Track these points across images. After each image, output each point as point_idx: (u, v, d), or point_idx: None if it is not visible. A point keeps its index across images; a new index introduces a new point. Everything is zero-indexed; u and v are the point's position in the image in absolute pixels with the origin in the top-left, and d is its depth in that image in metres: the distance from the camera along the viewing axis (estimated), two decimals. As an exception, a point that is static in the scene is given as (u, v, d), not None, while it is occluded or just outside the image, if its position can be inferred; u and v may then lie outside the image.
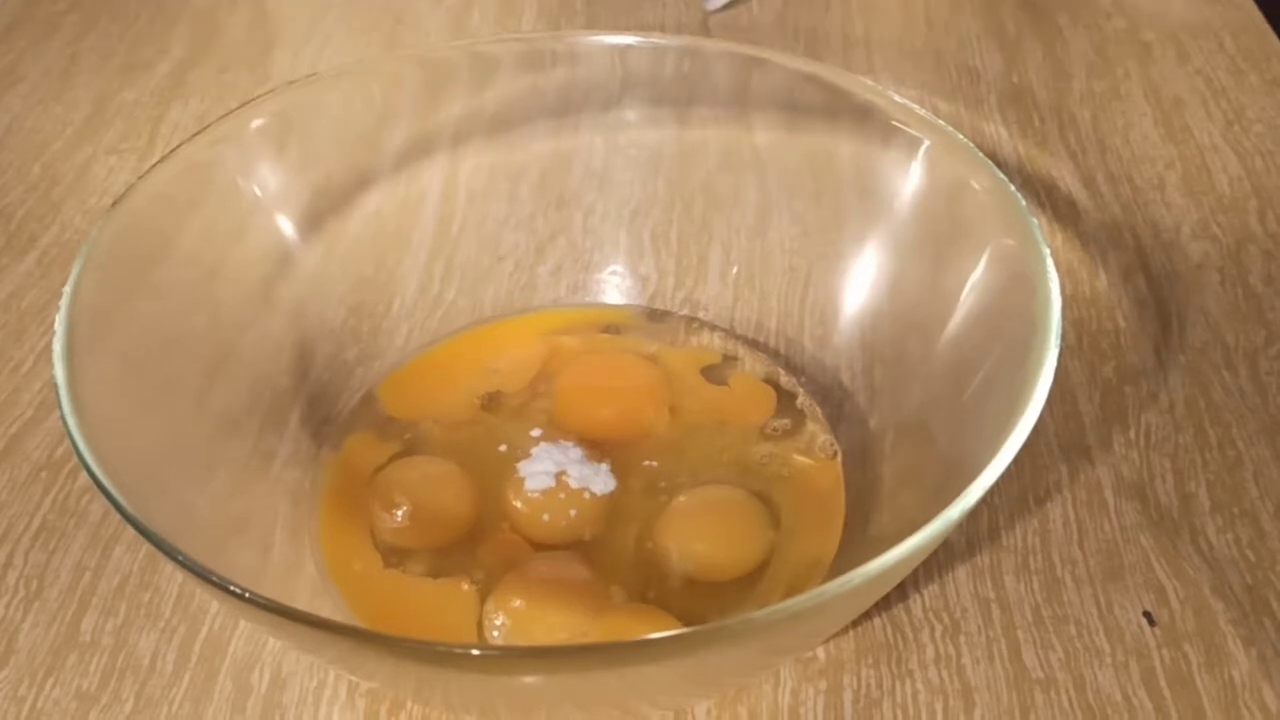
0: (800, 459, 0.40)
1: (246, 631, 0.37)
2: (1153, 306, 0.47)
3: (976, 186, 0.36)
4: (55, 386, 0.30)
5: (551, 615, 0.35)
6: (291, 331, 0.41)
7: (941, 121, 0.38)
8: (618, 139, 0.45)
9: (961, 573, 0.38)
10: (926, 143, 0.38)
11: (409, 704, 0.35)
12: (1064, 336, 0.34)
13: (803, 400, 0.42)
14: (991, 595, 0.37)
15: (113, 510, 0.28)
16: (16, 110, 0.59)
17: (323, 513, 0.38)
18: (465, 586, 0.36)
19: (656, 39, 0.43)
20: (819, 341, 0.42)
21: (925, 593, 0.37)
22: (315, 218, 0.42)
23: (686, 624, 0.35)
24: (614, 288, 0.46)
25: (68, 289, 0.32)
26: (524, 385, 0.42)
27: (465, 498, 0.38)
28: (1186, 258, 0.49)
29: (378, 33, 0.64)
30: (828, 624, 0.31)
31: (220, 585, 0.26)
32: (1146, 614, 0.37)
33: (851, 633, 0.36)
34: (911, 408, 0.38)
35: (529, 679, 0.28)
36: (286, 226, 0.41)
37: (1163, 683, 0.35)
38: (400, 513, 0.38)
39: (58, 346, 0.31)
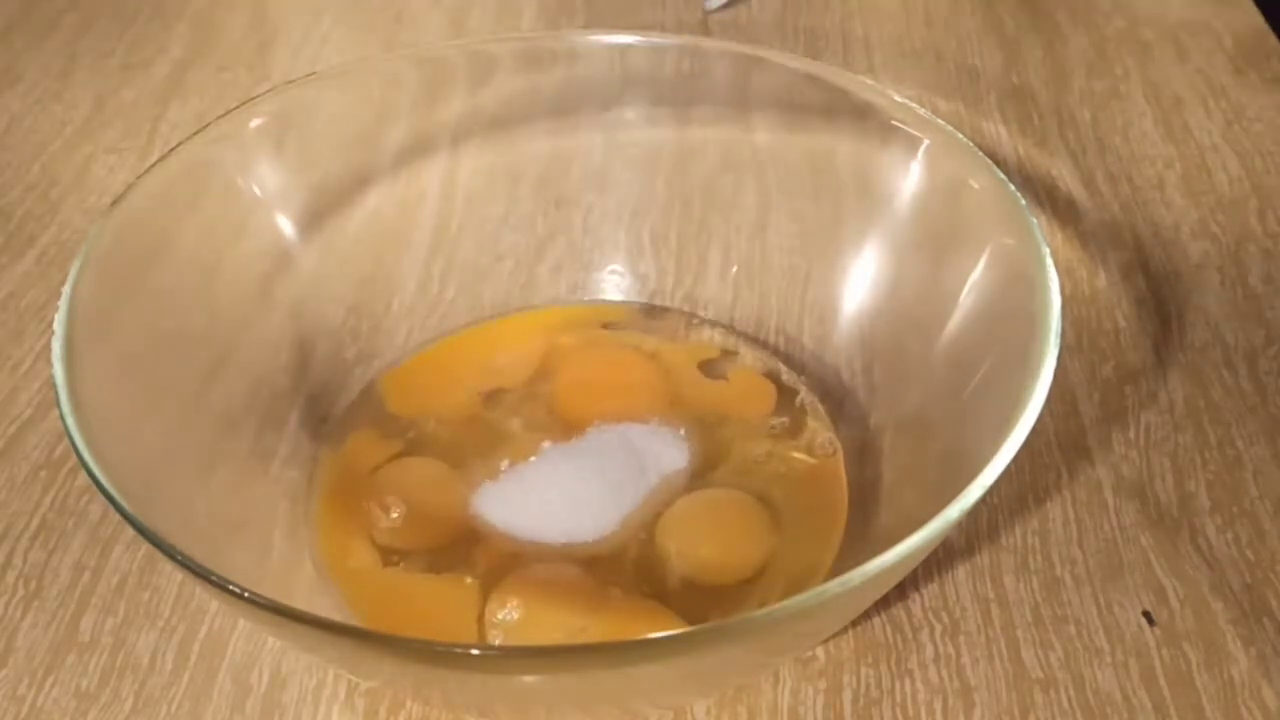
0: (800, 457, 0.40)
1: (246, 631, 0.37)
2: (1152, 306, 0.47)
3: (976, 186, 0.36)
4: (54, 386, 0.30)
5: (551, 614, 0.35)
6: (291, 330, 0.41)
7: (941, 121, 0.38)
8: (617, 139, 0.45)
9: (961, 572, 0.38)
10: (926, 142, 0.38)
11: (409, 703, 0.35)
12: (1064, 336, 0.34)
13: (803, 398, 0.42)
14: (991, 595, 0.37)
15: (112, 510, 0.28)
16: (15, 110, 0.59)
17: (322, 512, 0.38)
18: (468, 580, 0.36)
19: (656, 39, 0.43)
20: (819, 340, 0.42)
21: (925, 592, 0.37)
22: (314, 217, 0.42)
23: (686, 624, 0.34)
24: (613, 287, 0.46)
25: (67, 288, 0.32)
26: (524, 382, 0.42)
27: (463, 498, 0.38)
28: (1186, 257, 0.49)
29: (376, 32, 0.64)
30: (828, 623, 0.31)
31: (219, 584, 0.26)
32: (1146, 613, 0.37)
33: (851, 632, 0.36)
34: (911, 406, 0.38)
35: (529, 679, 0.28)
36: (285, 225, 0.41)
37: (1162, 682, 0.35)
38: (398, 513, 0.38)
39: (57, 346, 0.31)
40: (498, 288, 0.45)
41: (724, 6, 0.65)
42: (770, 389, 0.42)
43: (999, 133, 0.56)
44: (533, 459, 0.39)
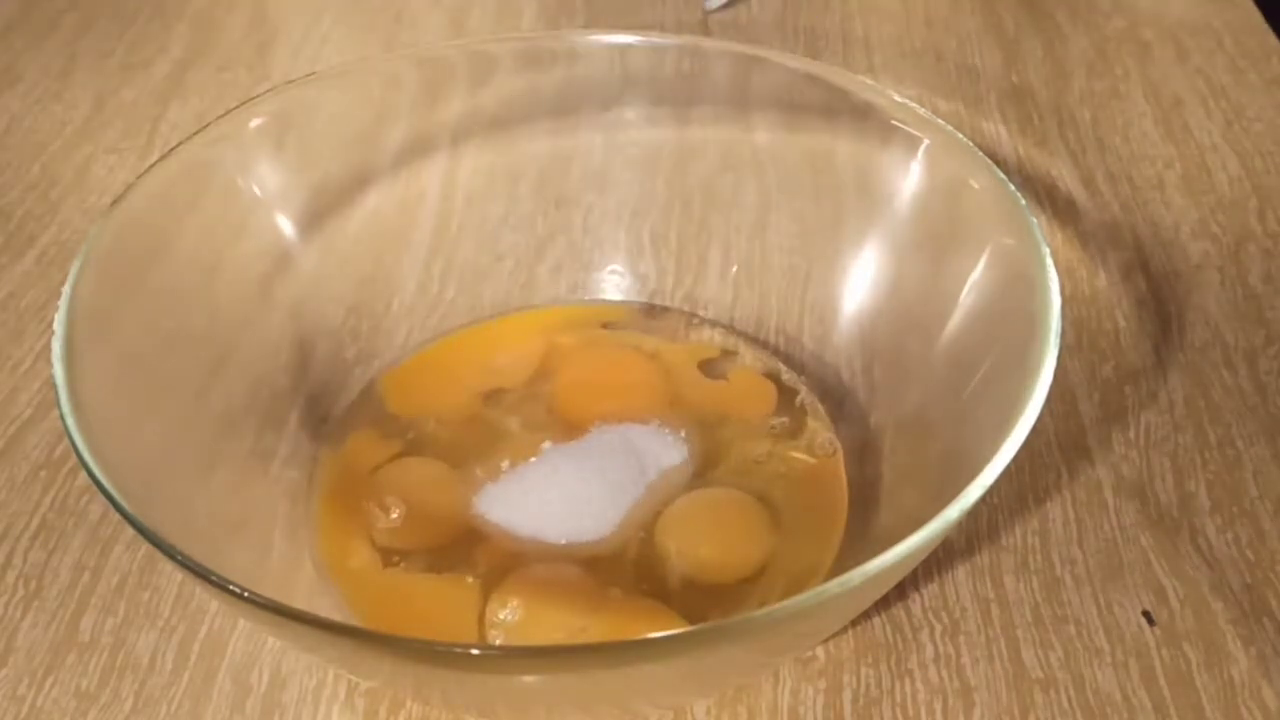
0: (801, 457, 0.40)
1: (246, 631, 0.37)
2: (1152, 306, 0.47)
3: (976, 185, 0.36)
4: (54, 386, 0.30)
5: (552, 614, 0.35)
6: (290, 330, 0.41)
7: (941, 120, 0.38)
8: (617, 139, 0.45)
9: (961, 572, 0.38)
10: (926, 142, 0.38)
11: (409, 703, 0.35)
12: (1064, 336, 0.34)
13: (803, 398, 0.42)
14: (991, 595, 0.37)
15: (112, 509, 0.28)
16: (15, 110, 0.59)
17: (322, 512, 0.38)
18: (468, 580, 0.36)
19: (656, 38, 0.43)
20: (819, 340, 0.42)
21: (925, 592, 0.37)
22: (314, 217, 0.42)
23: (686, 624, 0.34)
24: (613, 287, 0.46)
25: (67, 288, 0.32)
26: (524, 382, 0.42)
27: (463, 498, 0.38)
28: (1186, 257, 0.49)
29: (376, 32, 0.64)
30: (828, 623, 0.31)
31: (219, 584, 0.26)
32: (1146, 613, 0.37)
33: (851, 632, 0.36)
34: (911, 406, 0.38)
35: (529, 679, 0.28)
36: (285, 225, 0.41)
37: (1162, 682, 0.35)
38: (398, 513, 0.38)
39: (57, 346, 0.31)
40: (498, 288, 0.45)
41: (724, 6, 0.65)
42: (770, 389, 0.42)
43: (999, 133, 0.56)
44: (533, 459, 0.39)
